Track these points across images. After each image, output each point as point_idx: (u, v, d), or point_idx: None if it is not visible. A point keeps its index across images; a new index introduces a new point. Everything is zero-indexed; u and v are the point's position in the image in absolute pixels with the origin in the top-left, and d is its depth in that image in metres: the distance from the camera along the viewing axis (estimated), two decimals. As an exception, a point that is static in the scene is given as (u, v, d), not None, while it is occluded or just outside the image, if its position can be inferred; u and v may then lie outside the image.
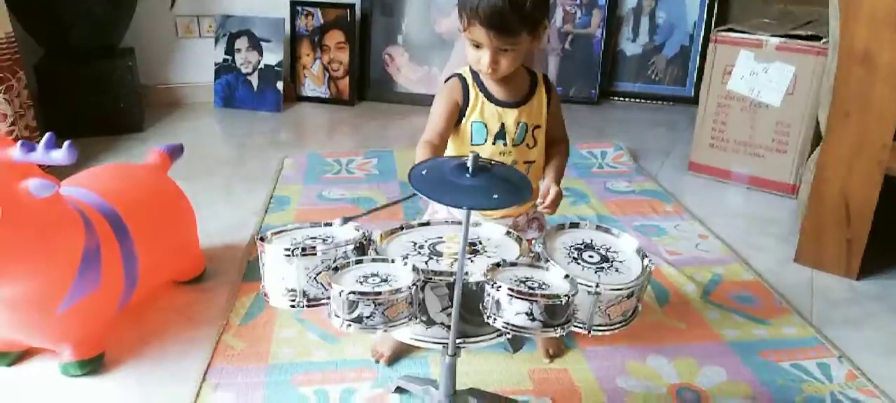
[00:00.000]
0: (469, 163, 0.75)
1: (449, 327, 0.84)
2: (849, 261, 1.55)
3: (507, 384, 1.17)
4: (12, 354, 1.19)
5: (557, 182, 1.09)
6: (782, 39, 1.92)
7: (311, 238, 0.92)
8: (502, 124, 1.08)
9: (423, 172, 0.76)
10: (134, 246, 1.23)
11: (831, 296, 1.49)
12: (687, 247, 1.68)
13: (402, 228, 0.98)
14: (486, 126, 1.08)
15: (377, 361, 1.20)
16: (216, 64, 2.76)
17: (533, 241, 0.95)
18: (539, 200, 1.05)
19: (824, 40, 1.83)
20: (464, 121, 1.08)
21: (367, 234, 0.92)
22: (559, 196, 1.06)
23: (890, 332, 1.37)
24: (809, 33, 1.89)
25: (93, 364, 1.18)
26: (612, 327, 0.90)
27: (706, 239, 1.73)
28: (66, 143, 0.96)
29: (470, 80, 1.09)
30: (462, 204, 0.73)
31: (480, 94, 1.08)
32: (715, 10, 2.82)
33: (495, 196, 0.73)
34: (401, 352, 1.21)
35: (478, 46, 1.03)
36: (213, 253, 1.57)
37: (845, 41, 1.45)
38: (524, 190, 0.77)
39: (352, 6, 2.77)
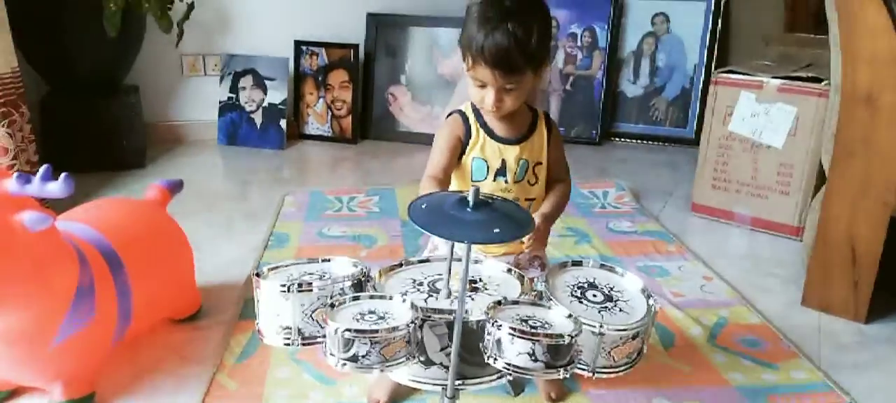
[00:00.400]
0: (470, 198, 0.73)
1: (448, 368, 0.81)
2: (857, 304, 1.52)
3: (508, 428, 1.14)
4: (2, 393, 1.16)
5: (548, 219, 1.07)
6: (783, 81, 1.92)
7: (309, 274, 0.91)
8: (503, 161, 1.07)
9: (423, 206, 0.75)
10: (129, 282, 1.21)
11: (840, 340, 1.46)
12: (691, 289, 1.65)
13: (401, 265, 0.96)
14: (486, 162, 1.07)
15: (374, 406, 1.17)
16: (220, 102, 2.78)
17: (535, 280, 0.93)
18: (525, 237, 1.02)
19: (825, 82, 1.83)
20: (465, 156, 1.08)
21: (365, 271, 0.90)
22: (541, 230, 1.03)
23: (901, 378, 1.34)
24: (810, 75, 1.90)
25: (83, 403, 1.15)
26: (616, 369, 0.87)
27: (711, 280, 1.70)
28: (62, 176, 0.95)
29: (471, 117, 1.09)
30: (462, 238, 0.71)
31: (481, 131, 1.08)
32: (715, 53, 2.84)
33: (496, 230, 0.71)
34: (398, 396, 1.18)
35: (483, 85, 1.03)
36: (211, 291, 1.55)
37: (847, 83, 1.45)
38: (526, 224, 0.76)
39: (356, 46, 2.80)
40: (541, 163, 1.11)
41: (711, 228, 2.07)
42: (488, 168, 1.07)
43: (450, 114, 1.11)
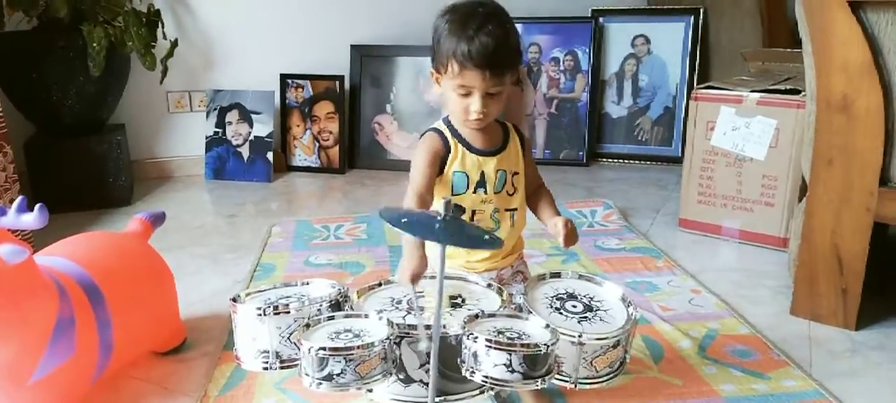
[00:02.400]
0: (442, 211, 0.73)
1: (428, 384, 0.80)
2: (846, 311, 1.52)
3: (496, 448, 1.12)
4: (-22, 432, 1.14)
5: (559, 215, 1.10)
6: (762, 94, 1.95)
7: (286, 297, 0.90)
8: (482, 173, 1.08)
9: (404, 220, 0.74)
10: (109, 314, 1.19)
11: (831, 348, 1.45)
12: (680, 303, 1.65)
13: (380, 284, 0.96)
14: (467, 175, 1.07)
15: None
16: (207, 137, 2.78)
17: (513, 293, 0.92)
18: (559, 239, 1.03)
19: (803, 93, 1.85)
20: (447, 169, 1.08)
21: (343, 291, 0.89)
22: (572, 226, 1.04)
23: (893, 383, 1.33)
24: (788, 87, 1.92)
25: (63, 441, 1.13)
26: (599, 380, 0.86)
27: (699, 294, 1.70)
28: (37, 207, 0.95)
29: (447, 132, 1.09)
30: (436, 238, 0.71)
31: (459, 145, 1.08)
32: (696, 72, 2.88)
33: (469, 235, 0.71)
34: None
35: (467, 94, 1.03)
36: (196, 324, 1.53)
37: (822, 90, 1.47)
38: (493, 243, 0.76)
39: (341, 78, 2.82)
40: (518, 173, 1.11)
41: (699, 243, 2.07)
42: (469, 180, 1.07)
43: (424, 134, 1.12)
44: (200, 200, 2.56)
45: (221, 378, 1.32)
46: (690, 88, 2.84)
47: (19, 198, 0.97)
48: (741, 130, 1.98)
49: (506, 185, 1.09)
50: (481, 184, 1.07)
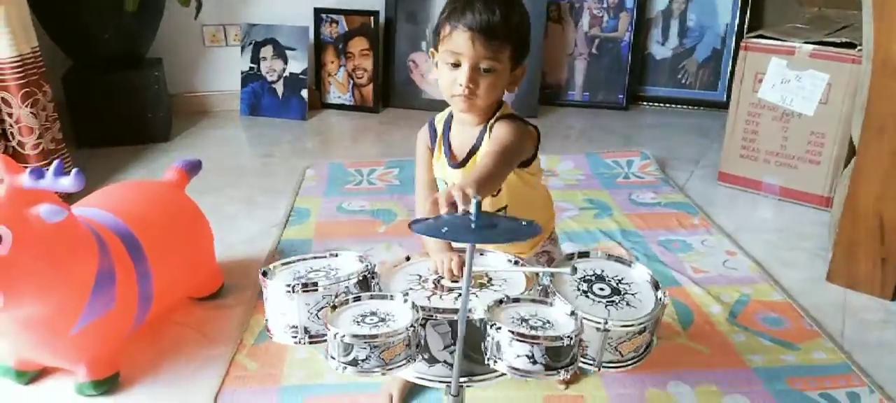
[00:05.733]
0: (473, 215, 0.70)
1: (452, 365, 0.82)
2: (884, 281, 1.48)
3: (519, 412, 1.15)
4: (29, 373, 1.21)
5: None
6: (816, 46, 1.84)
7: (314, 271, 0.91)
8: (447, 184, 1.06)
9: (444, 230, 0.72)
10: (149, 266, 1.23)
11: (865, 317, 1.43)
12: (714, 264, 1.62)
13: (408, 259, 0.96)
14: (446, 183, 1.07)
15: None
16: (242, 72, 2.78)
17: (540, 275, 0.92)
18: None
19: (859, 48, 1.74)
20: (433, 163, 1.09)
21: (370, 268, 0.90)
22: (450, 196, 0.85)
23: (927, 359, 1.30)
24: (843, 40, 1.81)
25: (108, 384, 1.19)
26: (623, 364, 0.86)
27: (734, 255, 1.67)
28: (73, 171, 0.97)
29: (438, 128, 1.08)
30: (468, 240, 0.70)
31: (442, 149, 1.07)
32: (747, 13, 2.73)
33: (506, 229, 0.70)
34: (411, 388, 1.18)
35: (456, 65, 0.96)
36: (233, 267, 1.58)
37: (880, 51, 1.38)
38: (529, 229, 0.74)
39: (376, 13, 2.76)
40: None
41: (738, 199, 2.02)
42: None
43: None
44: (236, 139, 2.58)
45: (256, 326, 1.37)
46: (741, 30, 2.70)
47: (56, 162, 0.99)
48: (791, 83, 1.89)
49: None
50: None
